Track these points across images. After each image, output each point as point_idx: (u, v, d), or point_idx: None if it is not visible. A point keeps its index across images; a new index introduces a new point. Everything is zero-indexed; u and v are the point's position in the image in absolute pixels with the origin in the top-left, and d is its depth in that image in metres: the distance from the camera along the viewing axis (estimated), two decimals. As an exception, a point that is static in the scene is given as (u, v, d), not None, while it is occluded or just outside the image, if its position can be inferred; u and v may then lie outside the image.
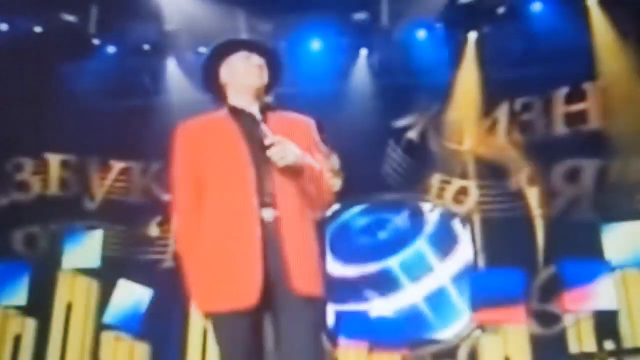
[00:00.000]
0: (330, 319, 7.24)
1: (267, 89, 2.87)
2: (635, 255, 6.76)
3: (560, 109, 7.97)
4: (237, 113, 2.76)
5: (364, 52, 8.22)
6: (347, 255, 7.91)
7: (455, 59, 8.04)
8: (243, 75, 2.81)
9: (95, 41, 7.99)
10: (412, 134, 8.20)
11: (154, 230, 7.92)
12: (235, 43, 2.89)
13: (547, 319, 7.06)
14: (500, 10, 7.93)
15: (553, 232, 7.54)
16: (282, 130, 2.68)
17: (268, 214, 2.61)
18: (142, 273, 7.39)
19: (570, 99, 7.95)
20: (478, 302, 6.84)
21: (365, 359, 7.08)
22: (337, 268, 7.82)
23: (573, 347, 6.52)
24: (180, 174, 2.94)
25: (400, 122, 8.21)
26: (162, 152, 8.55)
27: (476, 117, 8.05)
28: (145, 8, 7.79)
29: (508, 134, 8.05)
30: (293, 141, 2.64)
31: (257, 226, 2.56)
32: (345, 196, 7.97)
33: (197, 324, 6.95)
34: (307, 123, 2.93)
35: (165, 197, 8.23)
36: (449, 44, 8.06)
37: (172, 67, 8.19)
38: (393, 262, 7.83)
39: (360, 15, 8.04)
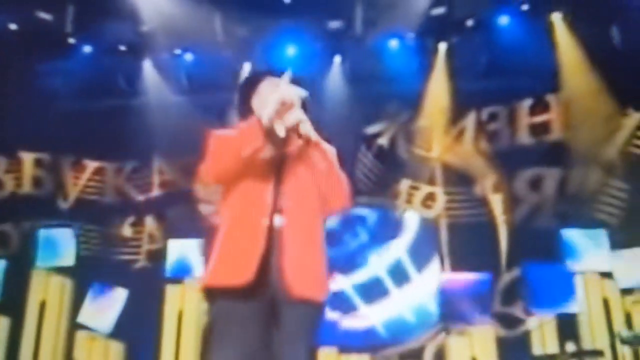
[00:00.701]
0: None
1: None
2: (594, 260, 7.10)
3: (524, 119, 8.29)
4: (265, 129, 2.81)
5: (337, 59, 8.42)
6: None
7: (425, 68, 8.30)
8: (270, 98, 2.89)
9: (71, 40, 8.01)
10: (382, 140, 8.42)
11: (127, 231, 7.99)
12: (263, 73, 3.11)
13: (510, 321, 7.36)
14: (469, 22, 8.22)
15: (516, 237, 7.82)
16: (303, 150, 2.87)
17: (279, 220, 2.78)
18: (116, 273, 7.45)
19: (534, 110, 8.26)
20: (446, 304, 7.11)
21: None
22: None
23: (536, 349, 6.81)
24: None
25: (372, 129, 8.43)
26: (137, 152, 8.73)
27: (445, 125, 8.32)
28: (122, 8, 7.84)
29: (475, 142, 8.34)
30: (313, 160, 2.84)
31: (263, 230, 2.72)
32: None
33: (171, 324, 7.07)
34: (328, 148, 3.03)
35: (139, 197, 8.34)
36: (420, 53, 8.32)
37: (148, 68, 8.26)
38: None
39: (334, 24, 8.24)
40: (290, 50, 8.29)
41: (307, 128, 2.83)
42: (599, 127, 7.88)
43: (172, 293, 7.19)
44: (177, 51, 8.30)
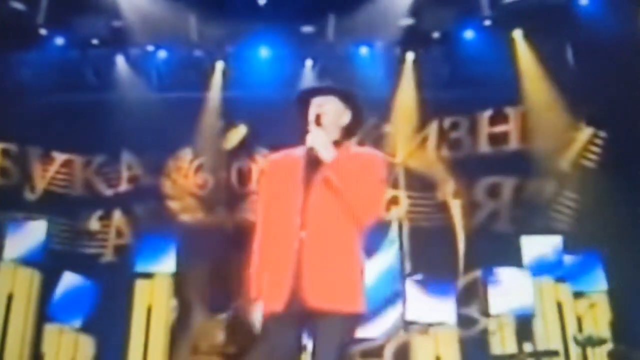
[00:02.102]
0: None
1: (352, 128, 3.21)
2: (549, 265, 7.51)
3: (484, 129, 8.69)
4: (308, 151, 3.05)
5: (309, 63, 8.63)
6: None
7: (393, 76, 8.60)
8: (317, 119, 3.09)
9: (43, 31, 7.94)
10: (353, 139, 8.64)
11: (94, 225, 7.98)
12: (316, 90, 3.24)
13: (467, 322, 7.70)
14: (435, 35, 8.57)
15: (474, 241, 8.18)
16: (354, 162, 3.04)
17: (305, 237, 2.97)
18: (84, 266, 7.42)
19: (493, 121, 8.67)
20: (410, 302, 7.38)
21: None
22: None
23: (496, 349, 7.14)
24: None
25: (338, 133, 8.63)
26: (106, 146, 8.73)
27: (409, 132, 8.63)
28: (96, 1, 7.87)
29: (437, 149, 8.69)
30: (360, 173, 3.00)
31: (293, 246, 2.93)
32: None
33: (140, 318, 7.10)
34: (376, 157, 3.23)
35: (107, 191, 8.32)
36: (388, 61, 8.62)
37: (121, 63, 8.27)
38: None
39: (307, 28, 8.46)
40: (263, 52, 8.46)
41: (321, 151, 2.96)
42: (554, 140, 8.36)
43: (141, 288, 7.22)
44: (150, 48, 8.33)
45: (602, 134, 8.26)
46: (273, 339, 2.95)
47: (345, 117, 3.13)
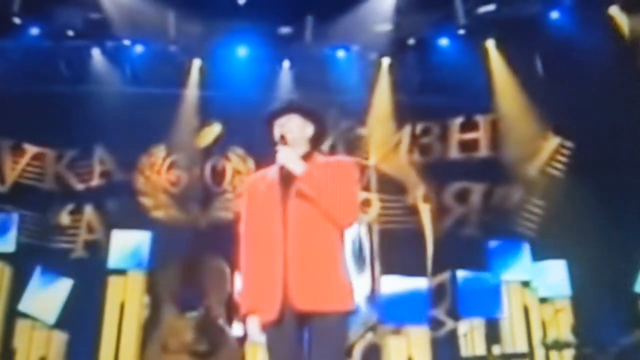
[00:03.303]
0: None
1: (317, 138, 3.44)
2: (516, 270, 7.73)
3: (455, 136, 8.87)
4: (281, 169, 3.28)
5: (286, 64, 8.68)
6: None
7: (369, 80, 8.71)
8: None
9: (17, 21, 7.78)
10: (323, 147, 8.72)
11: (65, 219, 7.86)
12: (276, 112, 3.42)
13: (435, 324, 7.84)
14: (411, 41, 8.73)
15: (442, 245, 8.33)
16: (325, 171, 3.24)
17: (289, 244, 3.16)
18: (55, 261, 7.32)
19: (464, 128, 8.87)
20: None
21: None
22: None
23: (465, 351, 7.31)
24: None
25: (313, 135, 8.69)
26: (79, 140, 8.62)
27: (383, 136, 8.76)
28: (74, -8, 7.77)
29: (408, 154, 8.85)
30: (332, 180, 3.21)
31: (278, 257, 3.12)
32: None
33: (113, 315, 7.04)
34: (346, 163, 3.49)
35: (79, 186, 8.20)
36: (364, 66, 8.72)
37: (97, 56, 8.16)
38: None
39: (285, 30, 8.51)
40: (241, 52, 8.47)
41: (291, 167, 3.18)
42: (523, 148, 8.61)
43: (114, 284, 7.15)
44: (127, 42, 8.25)
45: (569, 143, 8.57)
46: (275, 349, 3.12)
47: (308, 129, 3.35)
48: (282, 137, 3.23)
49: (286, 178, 3.21)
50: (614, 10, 8.04)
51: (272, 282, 3.08)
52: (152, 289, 7.41)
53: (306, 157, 3.27)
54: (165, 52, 8.33)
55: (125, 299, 7.13)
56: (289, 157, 3.18)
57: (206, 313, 7.38)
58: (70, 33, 7.99)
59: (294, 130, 3.28)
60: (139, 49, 8.31)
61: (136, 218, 7.93)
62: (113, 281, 7.15)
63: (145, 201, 8.19)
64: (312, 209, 3.15)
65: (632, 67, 7.79)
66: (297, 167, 3.16)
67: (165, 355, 7.21)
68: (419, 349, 7.18)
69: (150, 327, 7.26)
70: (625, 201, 7.53)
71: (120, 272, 7.20)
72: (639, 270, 7.29)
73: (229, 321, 7.51)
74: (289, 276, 3.06)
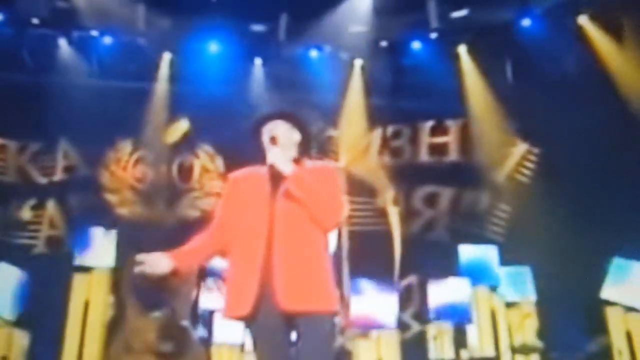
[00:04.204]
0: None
1: (305, 144, 3.41)
2: (484, 274, 7.77)
3: (425, 139, 8.91)
4: (270, 168, 3.25)
5: (258, 61, 8.56)
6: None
7: (341, 81, 8.66)
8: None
9: (-21, 7, 7.50)
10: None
11: (26, 214, 7.59)
12: (267, 116, 3.40)
13: (402, 326, 7.83)
14: (384, 43, 8.71)
15: (410, 248, 8.36)
16: (312, 174, 3.24)
17: (275, 244, 3.14)
18: (16, 257, 7.03)
19: (434, 132, 8.91)
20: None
21: (237, 357, 7.37)
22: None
23: (433, 355, 7.29)
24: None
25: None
26: (43, 133, 8.31)
27: (354, 137, 8.73)
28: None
29: (379, 156, 8.84)
30: (318, 184, 3.21)
31: (262, 255, 3.10)
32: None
33: (77, 313, 6.80)
34: (332, 168, 3.56)
35: (42, 180, 7.93)
36: (337, 67, 8.66)
37: (63, 47, 7.90)
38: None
39: (258, 27, 8.39)
40: (213, 47, 8.31)
41: (280, 167, 3.17)
42: (491, 153, 8.68)
43: (79, 282, 6.90)
44: (95, 33, 8.01)
45: (536, 149, 8.69)
46: (261, 347, 3.11)
47: (296, 135, 3.35)
48: (273, 138, 3.26)
49: (275, 178, 3.21)
50: (583, 20, 8.18)
51: (250, 276, 3.07)
52: (116, 287, 7.19)
53: (296, 162, 3.29)
54: (134, 45, 8.13)
55: (90, 297, 6.89)
56: (278, 157, 3.20)
57: (171, 313, 7.21)
58: (35, 21, 7.73)
59: (282, 134, 3.30)
60: (107, 40, 8.07)
61: (100, 214, 7.70)
62: (78, 279, 6.90)
63: (110, 197, 7.97)
64: (298, 209, 3.16)
65: (599, 75, 7.94)
66: (286, 167, 3.17)
67: (129, 355, 7.02)
68: (388, 352, 7.14)
69: (114, 326, 7.04)
70: (591, 208, 7.66)
71: (86, 269, 6.96)
72: (604, 277, 7.39)
73: (194, 322, 7.38)
74: (274, 275, 3.05)
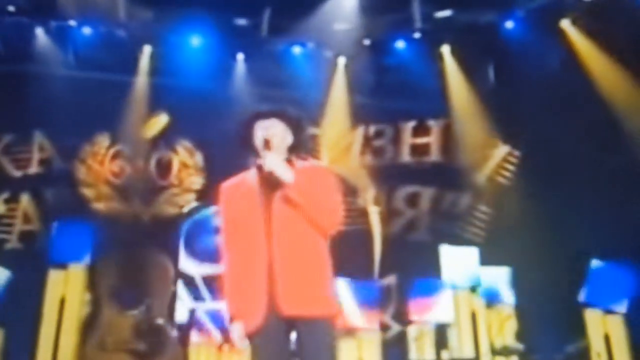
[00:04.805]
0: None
1: (296, 146, 3.31)
2: (465, 275, 7.74)
3: (407, 139, 8.88)
4: (261, 170, 3.16)
5: (240, 56, 8.43)
6: (200, 254, 7.97)
7: (323, 79, 8.57)
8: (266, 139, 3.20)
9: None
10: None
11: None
12: (262, 113, 3.31)
13: (382, 327, 7.75)
14: (367, 42, 8.65)
15: (391, 248, 8.32)
16: (308, 177, 3.16)
17: (275, 251, 3.06)
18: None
19: (416, 132, 8.89)
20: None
21: (215, 356, 7.26)
22: (190, 266, 7.91)
23: (414, 356, 7.26)
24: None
25: (263, 131, 8.49)
26: (17, 124, 8.08)
27: (336, 136, 8.65)
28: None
29: (361, 156, 8.79)
30: (317, 187, 3.14)
31: (263, 261, 3.04)
32: (206, 195, 8.11)
33: (52, 310, 6.61)
34: (325, 169, 3.53)
35: (16, 173, 7.70)
36: (320, 64, 8.57)
37: (40, 36, 7.68)
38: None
39: (241, 21, 8.26)
40: (195, 41, 8.16)
41: (280, 174, 3.08)
42: (472, 155, 8.68)
43: (55, 279, 6.70)
44: (73, 23, 7.80)
45: (517, 151, 8.71)
46: (261, 354, 3.03)
47: (289, 137, 3.27)
48: (267, 142, 3.15)
49: (267, 182, 3.13)
50: (565, 24, 8.23)
51: (257, 288, 3.01)
52: (92, 284, 7.01)
53: (287, 163, 3.20)
54: (114, 36, 7.95)
55: (66, 295, 6.70)
56: (277, 163, 3.10)
57: (147, 311, 7.07)
58: (11, 9, 7.50)
59: (277, 135, 3.21)
60: (86, 31, 7.87)
61: (76, 209, 7.51)
62: (54, 275, 6.70)
63: (87, 192, 7.78)
64: (296, 214, 3.08)
65: (581, 78, 7.98)
66: (286, 174, 3.08)
67: (103, 353, 6.87)
68: (369, 351, 7.09)
69: (90, 324, 6.87)
70: (571, 210, 7.68)
71: (62, 266, 6.76)
72: (583, 279, 7.43)
73: (170, 320, 7.25)
74: (275, 281, 2.99)
